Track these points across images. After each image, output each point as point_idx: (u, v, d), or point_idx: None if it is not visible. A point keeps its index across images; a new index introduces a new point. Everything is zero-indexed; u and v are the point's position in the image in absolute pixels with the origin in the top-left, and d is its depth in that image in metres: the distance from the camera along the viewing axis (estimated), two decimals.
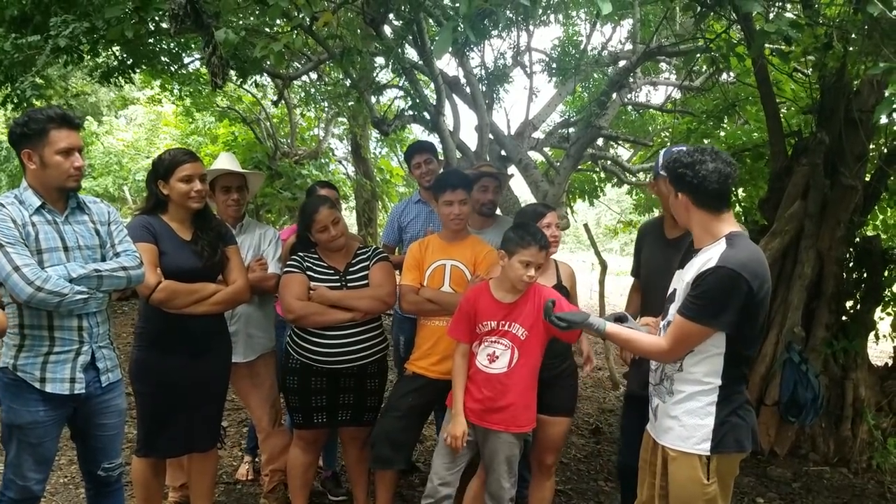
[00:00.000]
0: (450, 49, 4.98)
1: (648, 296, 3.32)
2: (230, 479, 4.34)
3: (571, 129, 8.33)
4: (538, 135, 8.52)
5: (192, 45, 8.16)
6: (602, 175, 10.18)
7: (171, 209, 3.19)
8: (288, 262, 3.50)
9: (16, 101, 6.02)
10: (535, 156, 8.56)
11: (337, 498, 4.10)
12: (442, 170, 4.82)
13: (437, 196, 3.54)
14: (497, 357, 3.06)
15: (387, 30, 6.23)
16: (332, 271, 3.48)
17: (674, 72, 9.22)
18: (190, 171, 3.13)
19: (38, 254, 2.59)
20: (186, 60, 8.75)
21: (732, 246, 2.39)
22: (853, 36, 4.41)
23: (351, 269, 3.51)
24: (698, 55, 5.97)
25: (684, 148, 2.72)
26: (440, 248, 3.55)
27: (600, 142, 8.98)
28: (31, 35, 5.26)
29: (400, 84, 8.08)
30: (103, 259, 2.76)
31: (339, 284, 3.45)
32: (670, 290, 2.65)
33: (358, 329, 3.42)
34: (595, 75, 8.36)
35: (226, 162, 3.85)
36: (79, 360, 2.69)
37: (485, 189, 3.97)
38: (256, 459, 4.30)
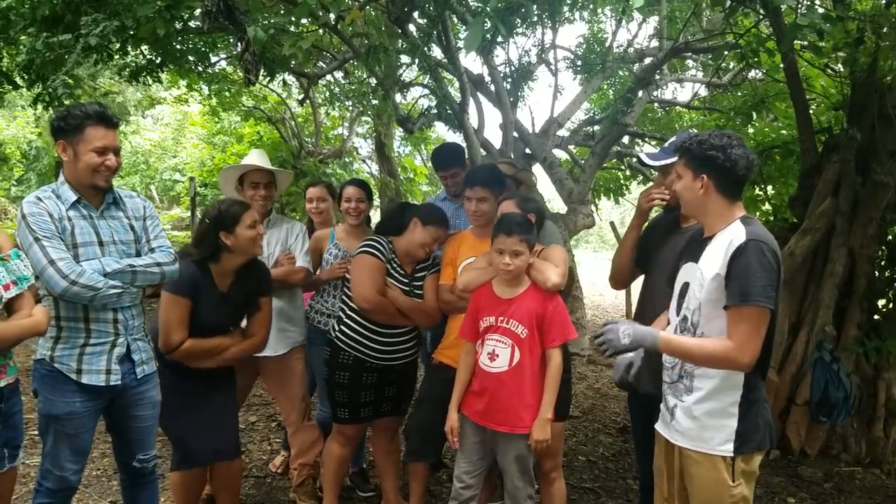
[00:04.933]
0: (479, 43, 4.97)
1: (652, 286, 3.10)
2: (260, 472, 4.38)
3: (597, 127, 8.29)
4: (563, 132, 8.49)
5: (219, 45, 8.25)
6: (627, 173, 10.13)
7: (224, 258, 3.13)
8: (373, 244, 3.41)
9: (47, 99, 6.12)
10: (560, 154, 8.53)
11: (365, 494, 4.11)
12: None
13: (464, 191, 3.56)
14: (497, 355, 3.01)
15: (411, 28, 6.24)
16: (402, 273, 3.48)
17: (700, 69, 9.15)
18: (250, 219, 3.12)
19: (73, 248, 2.63)
20: (213, 60, 8.85)
21: (750, 224, 2.36)
22: (885, 30, 4.35)
23: (416, 276, 3.54)
24: (726, 51, 5.92)
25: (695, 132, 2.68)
26: (472, 244, 3.53)
27: (626, 139, 8.92)
28: (62, 34, 5.34)
29: (424, 82, 8.10)
30: (138, 254, 2.80)
31: (408, 289, 3.47)
32: (680, 284, 2.55)
33: (411, 327, 3.50)
34: (620, 72, 8.32)
35: (256, 158, 3.90)
36: (114, 352, 2.73)
37: None
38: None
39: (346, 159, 14.52)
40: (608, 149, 7.38)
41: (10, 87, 7.31)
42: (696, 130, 3.01)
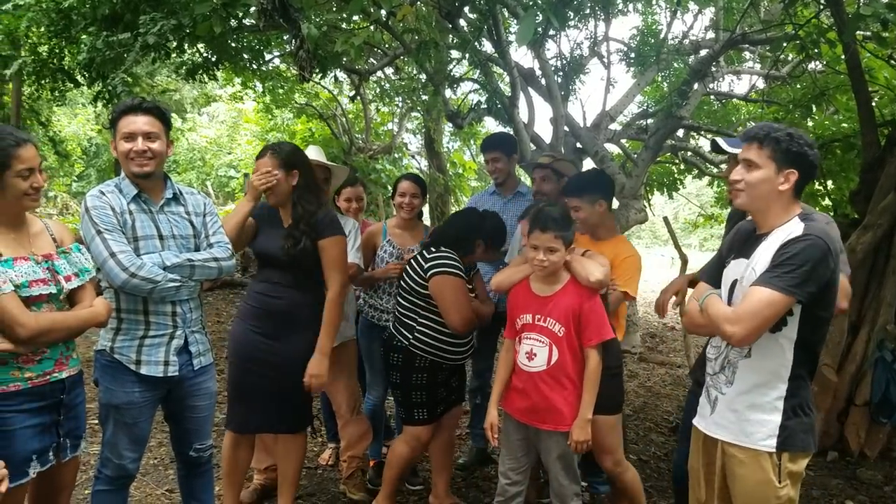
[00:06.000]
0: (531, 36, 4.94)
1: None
2: (311, 463, 4.44)
3: (650, 120, 8.15)
4: (615, 126, 8.38)
5: (273, 43, 8.37)
6: (682, 167, 9.96)
7: None
8: (453, 263, 3.39)
9: (107, 97, 6.30)
10: (612, 148, 8.42)
11: (414, 487, 4.14)
12: (517, 162, 4.84)
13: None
14: (535, 354, 2.98)
15: (462, 22, 6.23)
16: (466, 279, 3.54)
17: (758, 60, 8.94)
18: (258, 166, 3.28)
19: (134, 241, 2.70)
20: (267, 58, 8.98)
21: (810, 220, 2.29)
22: None
23: (470, 279, 3.60)
24: (785, 43, 5.77)
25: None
26: (586, 244, 3.48)
27: (681, 132, 8.76)
28: (121, 33, 5.48)
29: (475, 77, 8.08)
30: (197, 248, 2.86)
31: (473, 295, 3.57)
32: (729, 281, 2.46)
33: None
34: (675, 64, 8.17)
35: (314, 154, 3.95)
36: (172, 343, 2.79)
37: (533, 181, 4.15)
38: (339, 446, 4.34)
39: (396, 155, 14.61)
40: (662, 142, 7.25)
41: (72, 84, 7.56)
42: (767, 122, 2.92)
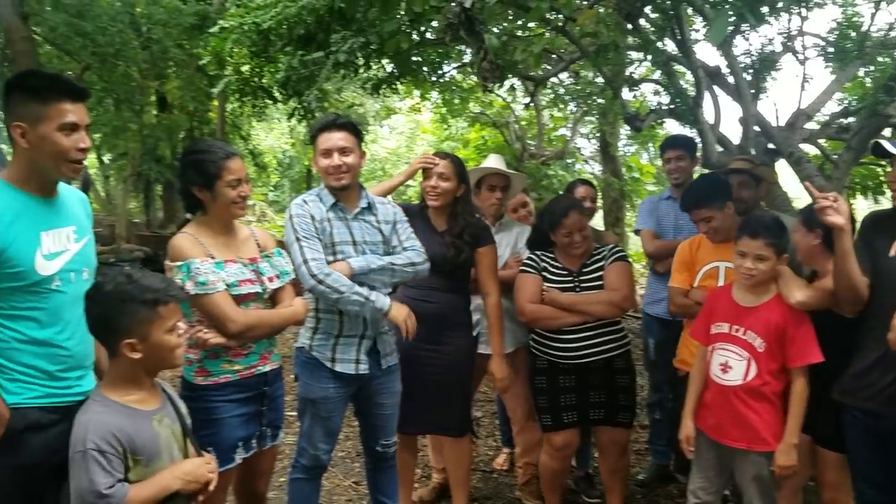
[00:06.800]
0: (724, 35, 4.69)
1: (882, 301, 2.48)
2: (487, 467, 4.49)
3: (851, 119, 7.49)
4: (812, 125, 7.77)
5: (451, 55, 8.59)
6: (889, 168, 9.07)
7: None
8: (524, 261, 3.55)
9: (302, 113, 6.74)
10: (809, 149, 7.82)
11: (591, 500, 4.04)
12: (699, 165, 4.66)
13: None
14: (731, 367, 2.77)
15: (642, 22, 6.06)
16: (565, 272, 3.44)
17: None
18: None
19: (332, 246, 2.89)
20: (445, 69, 9.23)
21: None
22: None
23: (585, 270, 3.45)
24: None
25: None
26: (713, 248, 3.32)
27: (888, 132, 7.97)
28: (314, 52, 5.84)
29: (655, 78, 7.83)
30: (387, 254, 3.01)
31: (572, 286, 3.41)
32: None
33: (598, 323, 3.38)
34: (879, 59, 7.45)
35: (494, 162, 4.02)
36: (363, 344, 2.95)
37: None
38: (513, 450, 4.35)
39: (568, 160, 14.46)
40: (866, 142, 6.61)
41: (270, 101, 8.16)
42: None
